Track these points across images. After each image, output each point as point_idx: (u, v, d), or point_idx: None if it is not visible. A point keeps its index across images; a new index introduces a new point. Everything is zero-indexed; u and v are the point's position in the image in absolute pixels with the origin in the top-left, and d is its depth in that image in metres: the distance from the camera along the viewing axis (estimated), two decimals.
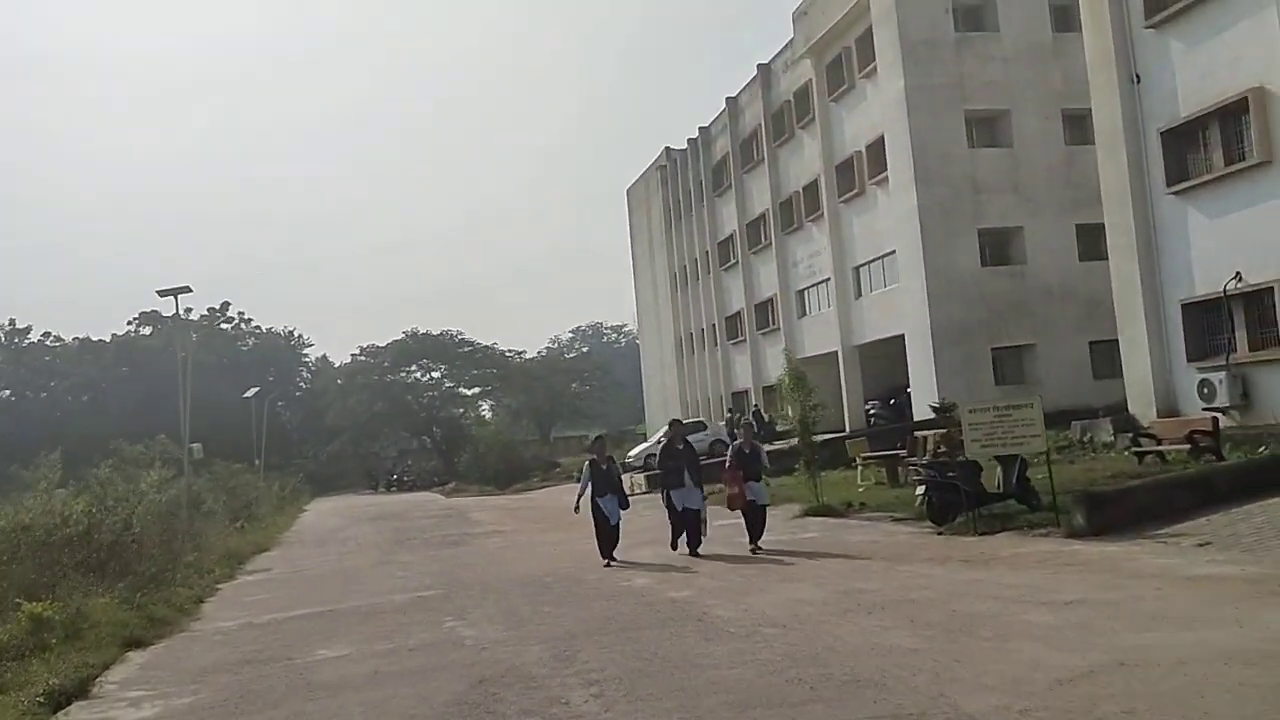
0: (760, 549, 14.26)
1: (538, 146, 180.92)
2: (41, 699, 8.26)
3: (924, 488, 15.50)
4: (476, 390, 74.00)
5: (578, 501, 15.02)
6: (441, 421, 70.45)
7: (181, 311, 72.25)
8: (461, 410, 73.34)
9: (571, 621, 10.18)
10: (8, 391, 75.27)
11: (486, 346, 72.13)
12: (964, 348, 32.03)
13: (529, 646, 9.03)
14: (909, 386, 34.77)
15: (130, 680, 9.42)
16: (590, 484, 14.98)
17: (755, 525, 14.61)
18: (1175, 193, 21.19)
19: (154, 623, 12.32)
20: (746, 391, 49.90)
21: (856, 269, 38.54)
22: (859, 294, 38.62)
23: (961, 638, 7.82)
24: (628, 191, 68.44)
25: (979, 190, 32.67)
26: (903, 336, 34.38)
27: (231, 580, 18.31)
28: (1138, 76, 21.83)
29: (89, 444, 40.34)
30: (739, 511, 14.92)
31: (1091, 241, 29.85)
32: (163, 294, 28.20)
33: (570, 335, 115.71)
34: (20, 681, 8.94)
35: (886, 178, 34.54)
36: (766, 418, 43.32)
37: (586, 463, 15.44)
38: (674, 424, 16.29)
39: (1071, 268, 32.65)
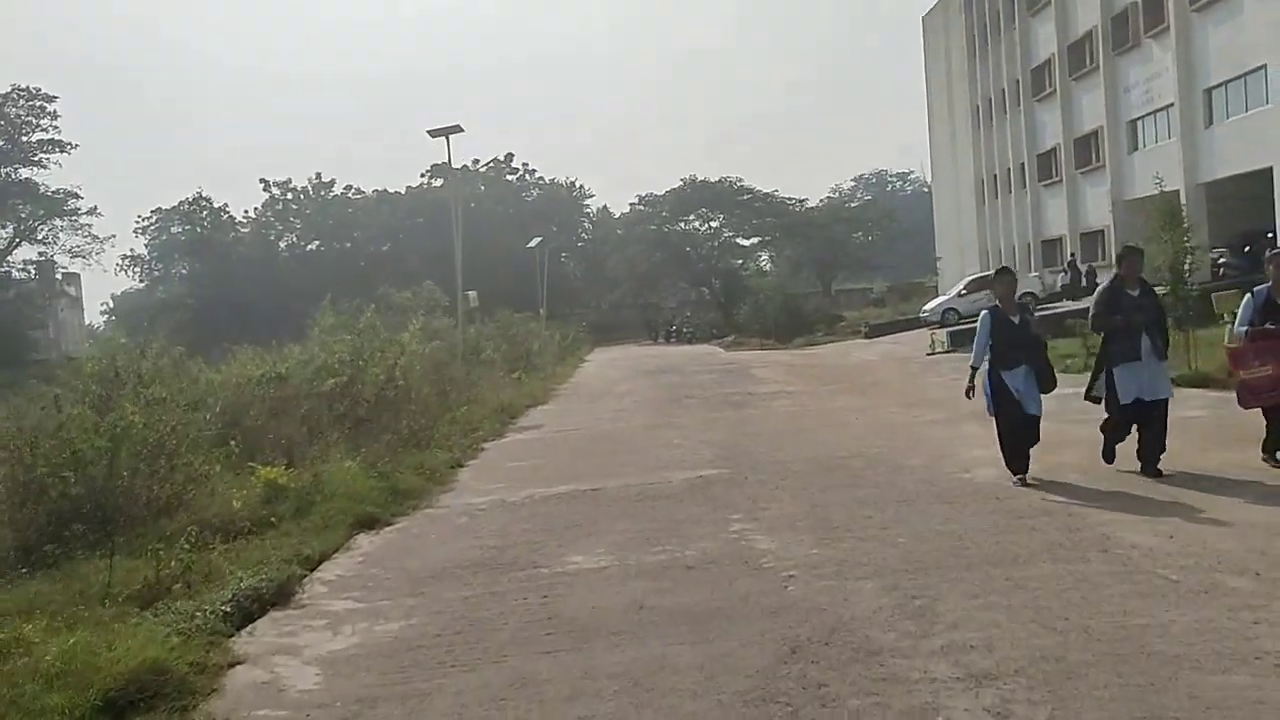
0: None
1: None
2: (228, 608, 6.45)
3: None
4: (756, 240, 71.29)
5: (970, 380, 9.24)
6: (720, 272, 68.54)
7: (470, 163, 74.49)
8: (740, 261, 71.04)
9: (909, 537, 7.33)
10: (317, 242, 79.73)
11: (766, 194, 68.70)
12: None
13: (856, 583, 6.27)
14: (1270, 230, 29.35)
15: (343, 582, 7.52)
16: (991, 348, 9.10)
17: None
18: None
19: (397, 495, 10.60)
20: (1061, 239, 44.35)
21: (1208, 91, 32.72)
22: (1210, 121, 32.92)
23: None
24: (923, 19, 62.09)
25: None
26: (1269, 170, 29.32)
27: (499, 438, 16.81)
28: None
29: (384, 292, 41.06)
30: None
31: None
32: (434, 134, 26.97)
33: (852, 183, 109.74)
34: (219, 573, 7.27)
35: None
36: (1085, 268, 38.22)
37: (985, 312, 9.35)
38: (1130, 252, 9.20)
39: None
